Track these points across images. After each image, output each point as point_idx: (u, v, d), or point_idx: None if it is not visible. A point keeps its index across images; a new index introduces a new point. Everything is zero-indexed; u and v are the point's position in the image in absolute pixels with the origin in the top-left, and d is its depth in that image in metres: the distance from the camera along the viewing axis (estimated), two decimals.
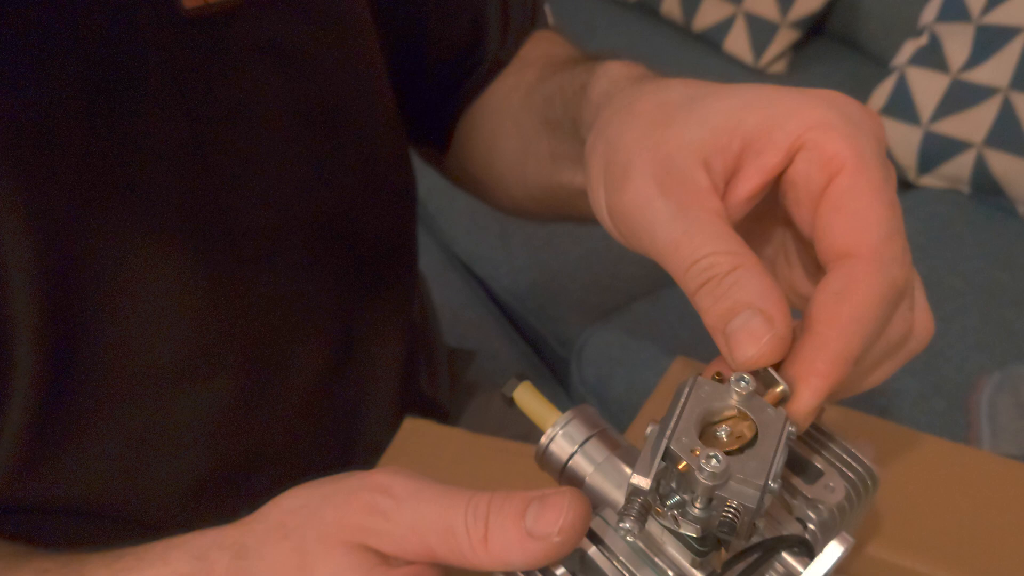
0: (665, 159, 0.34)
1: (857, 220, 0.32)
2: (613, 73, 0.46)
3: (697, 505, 0.29)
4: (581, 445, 0.33)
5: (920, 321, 0.35)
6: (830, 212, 0.33)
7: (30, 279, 0.41)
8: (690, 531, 0.30)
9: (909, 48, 1.31)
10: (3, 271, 0.40)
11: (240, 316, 0.51)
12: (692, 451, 0.29)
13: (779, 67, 1.54)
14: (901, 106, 1.28)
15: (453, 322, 1.03)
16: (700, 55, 1.55)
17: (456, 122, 0.63)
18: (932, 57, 1.27)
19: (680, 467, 0.29)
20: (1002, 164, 1.19)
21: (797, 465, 0.34)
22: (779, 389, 0.31)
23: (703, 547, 0.30)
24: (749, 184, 0.34)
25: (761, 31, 1.52)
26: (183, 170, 0.46)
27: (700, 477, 0.28)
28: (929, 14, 1.30)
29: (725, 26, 1.56)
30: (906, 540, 0.44)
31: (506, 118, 0.59)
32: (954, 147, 1.23)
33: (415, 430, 0.56)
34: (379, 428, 0.60)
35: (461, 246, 1.23)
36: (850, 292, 0.31)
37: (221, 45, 0.46)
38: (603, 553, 0.31)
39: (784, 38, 1.52)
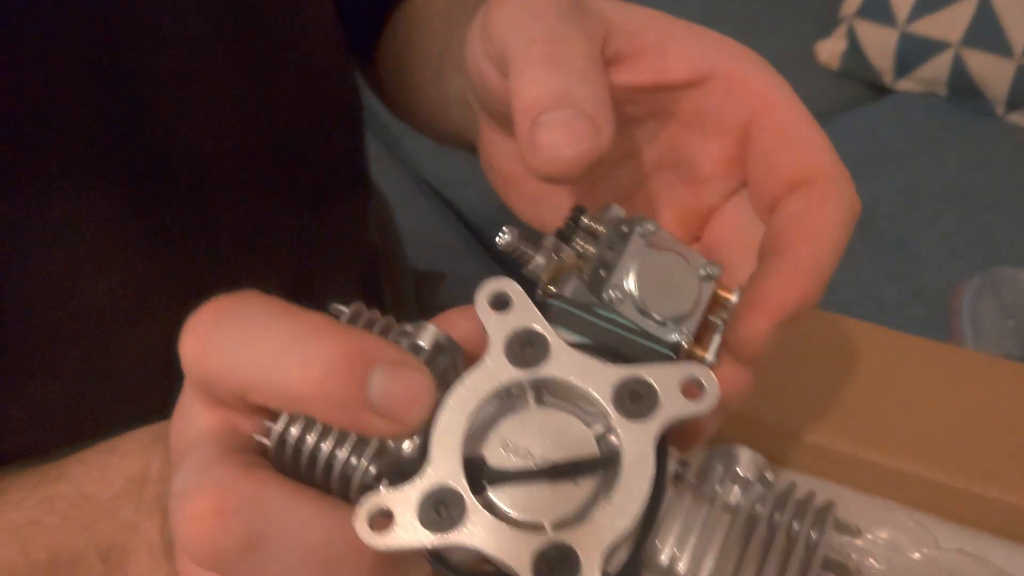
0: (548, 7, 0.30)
1: (806, 148, 0.30)
2: None
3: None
4: None
5: None
6: (773, 145, 0.31)
7: None
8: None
9: None
10: None
11: (182, 250, 0.48)
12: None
13: None
14: (876, 7, 1.24)
15: (423, 248, 1.01)
16: None
17: (381, 29, 0.60)
18: None
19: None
20: (980, 63, 1.17)
21: None
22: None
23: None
24: (635, 77, 0.31)
25: None
26: (96, 90, 0.42)
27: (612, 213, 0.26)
28: None
29: None
30: (884, 438, 0.44)
31: (421, 24, 0.56)
32: (931, 47, 1.20)
33: None
34: None
35: (428, 170, 1.19)
36: (815, 211, 0.29)
37: None
38: None
39: None
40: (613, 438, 0.23)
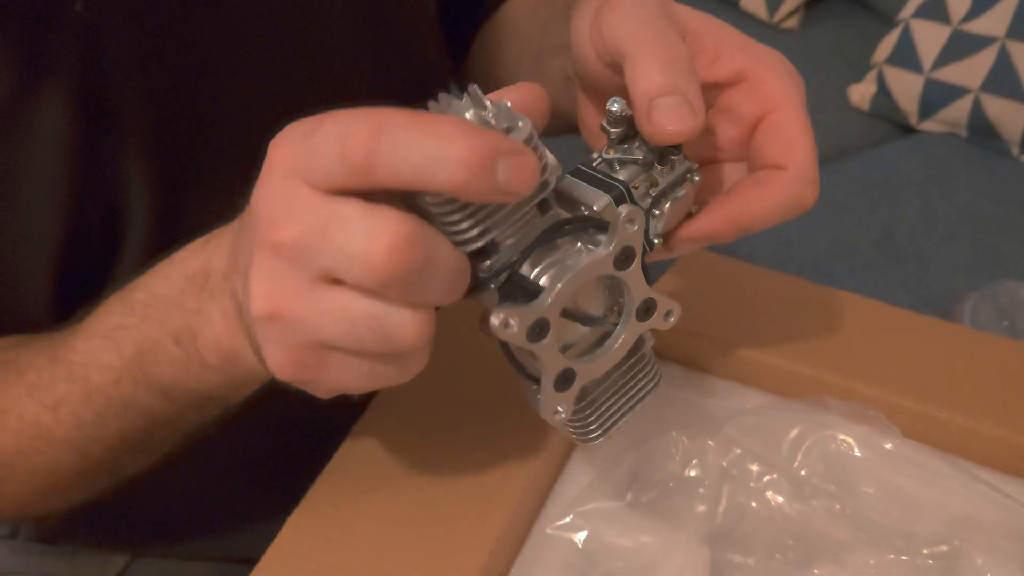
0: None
1: (790, 143, 0.38)
2: None
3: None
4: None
5: None
6: (768, 135, 0.39)
7: (142, 147, 0.47)
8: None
9: (914, 2, 1.39)
10: (120, 141, 0.46)
11: None
12: None
13: (792, 23, 1.62)
14: (905, 55, 1.36)
15: None
16: (717, 11, 1.60)
17: (475, 35, 0.69)
18: (935, 9, 1.35)
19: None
20: (997, 108, 1.27)
21: None
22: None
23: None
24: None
25: None
26: (265, 65, 0.52)
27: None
28: None
29: None
30: (866, 373, 0.52)
31: (509, 27, 0.64)
32: (953, 93, 1.31)
33: None
34: None
35: None
36: (767, 186, 0.38)
37: None
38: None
39: None
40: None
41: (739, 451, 0.49)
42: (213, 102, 0.50)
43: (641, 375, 0.40)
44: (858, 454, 0.49)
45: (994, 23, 1.28)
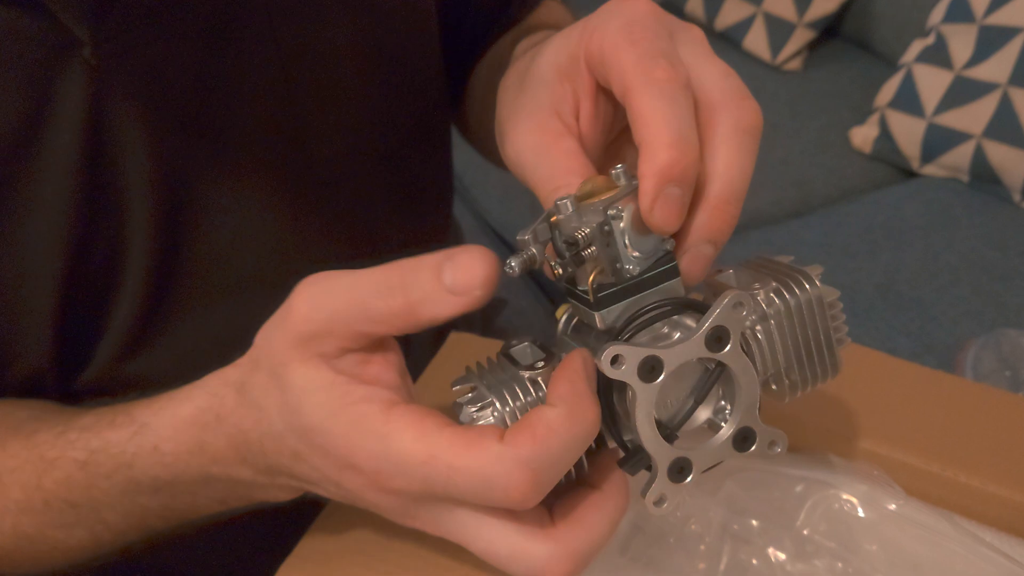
0: (531, 114, 0.39)
1: (614, 66, 0.36)
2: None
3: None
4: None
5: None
6: (603, 74, 0.37)
7: (145, 191, 0.48)
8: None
9: (916, 47, 1.40)
10: (123, 184, 0.47)
11: (312, 233, 0.57)
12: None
13: (795, 64, 1.63)
14: (907, 100, 1.37)
15: None
16: (720, 52, 1.61)
17: (468, 77, 0.70)
18: (937, 55, 1.36)
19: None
20: (999, 154, 1.28)
21: None
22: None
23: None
24: (584, 110, 0.39)
25: (778, 30, 1.61)
26: (273, 105, 0.53)
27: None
28: (936, 15, 1.39)
29: (745, 25, 1.65)
30: (873, 430, 0.51)
31: (495, 73, 0.65)
32: (955, 138, 1.31)
33: (459, 342, 0.64)
34: (422, 351, 0.65)
35: (494, 216, 1.32)
36: (634, 106, 0.35)
37: None
38: None
39: (800, 37, 1.61)
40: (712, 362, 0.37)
41: (741, 507, 0.48)
42: (218, 147, 0.51)
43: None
44: (861, 514, 0.49)
45: (996, 70, 1.28)
